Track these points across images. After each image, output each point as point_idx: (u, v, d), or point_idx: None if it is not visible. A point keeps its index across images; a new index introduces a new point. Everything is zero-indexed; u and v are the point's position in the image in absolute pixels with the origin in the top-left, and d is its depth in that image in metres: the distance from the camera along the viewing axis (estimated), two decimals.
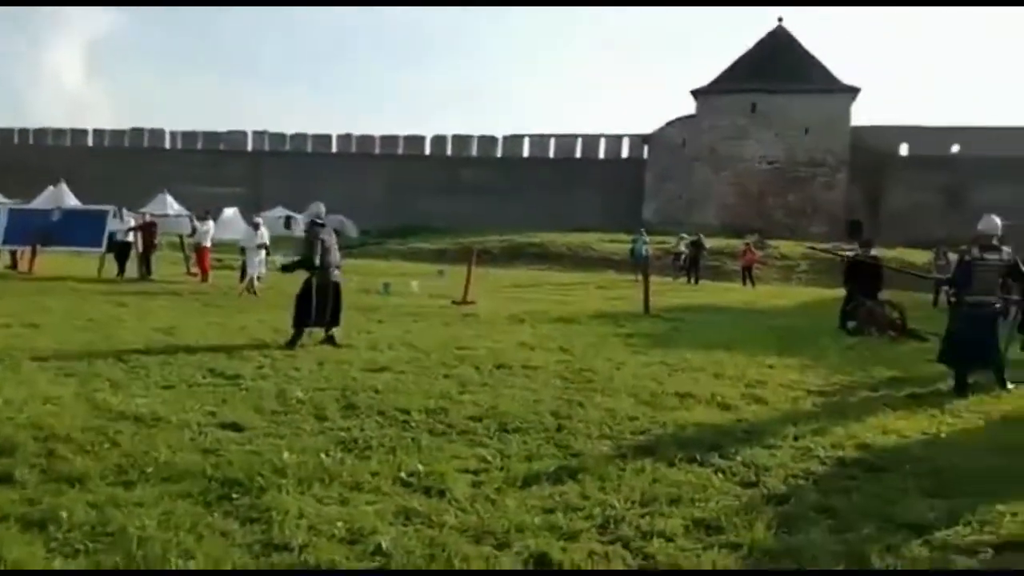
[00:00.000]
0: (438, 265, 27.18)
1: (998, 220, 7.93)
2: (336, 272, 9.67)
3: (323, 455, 4.80)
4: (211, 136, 58.58)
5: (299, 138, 57.63)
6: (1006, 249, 7.90)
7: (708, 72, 49.54)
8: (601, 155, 52.93)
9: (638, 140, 51.61)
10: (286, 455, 4.73)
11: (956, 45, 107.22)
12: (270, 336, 9.72)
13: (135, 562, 3.26)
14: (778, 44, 47.49)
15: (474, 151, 54.81)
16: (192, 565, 3.25)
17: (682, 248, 28.11)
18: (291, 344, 9.03)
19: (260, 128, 58.31)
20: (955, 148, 45.79)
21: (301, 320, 9.30)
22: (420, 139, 55.84)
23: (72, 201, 22.38)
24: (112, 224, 19.09)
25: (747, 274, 26.44)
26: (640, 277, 18.46)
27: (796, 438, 5.64)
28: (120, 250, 18.81)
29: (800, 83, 45.15)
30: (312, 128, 58.98)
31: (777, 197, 45.89)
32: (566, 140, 53.45)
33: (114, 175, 49.47)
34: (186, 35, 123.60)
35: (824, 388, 7.75)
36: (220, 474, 4.37)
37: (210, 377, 7.17)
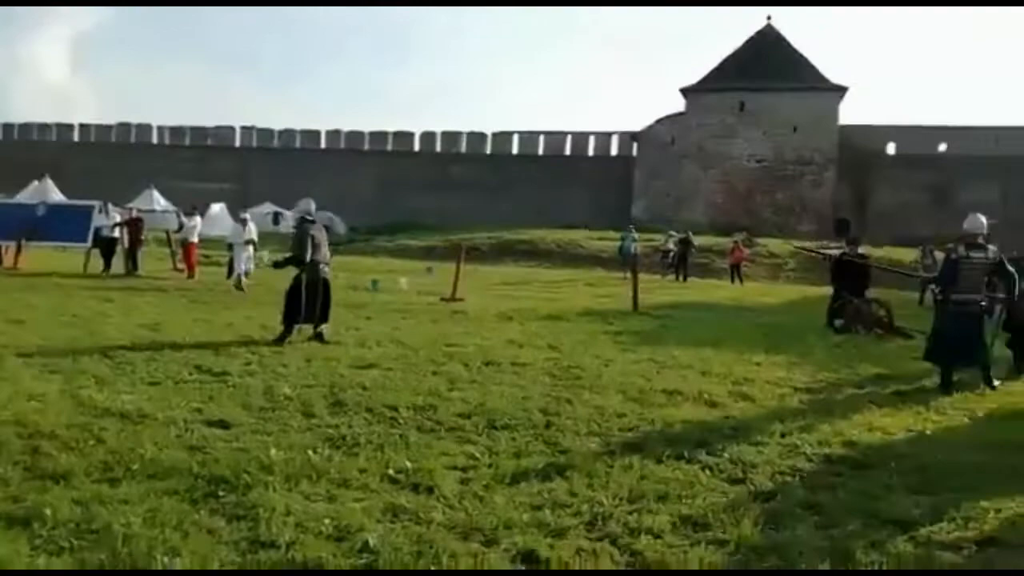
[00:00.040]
0: (427, 262, 27.12)
1: (984, 219, 8.00)
2: (325, 269, 9.66)
3: (310, 452, 4.79)
4: (198, 131, 58.21)
5: (287, 134, 57.37)
6: (992, 248, 7.97)
7: (698, 70, 49.52)
8: (591, 152, 52.97)
9: (627, 138, 51.69)
10: (273, 452, 4.72)
11: (943, 45, 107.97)
12: (257, 333, 9.68)
13: (120, 560, 3.24)
14: (767, 43, 47.65)
15: (463, 148, 54.72)
16: (178, 563, 3.23)
17: (671, 246, 28.17)
18: (280, 340, 9.00)
19: (248, 124, 58.10)
20: (942, 147, 46.11)
21: (291, 317, 9.28)
22: (409, 135, 55.70)
23: (57, 196, 22.27)
24: (98, 219, 18.94)
25: (735, 272, 26.54)
26: (629, 274, 18.49)
27: (783, 435, 5.67)
28: (106, 246, 18.66)
29: (788, 82, 45.30)
30: (300, 124, 58.81)
31: (765, 195, 46.07)
32: (555, 137, 53.46)
33: (100, 170, 49.11)
34: (173, 30, 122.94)
35: (811, 385, 7.79)
36: (206, 471, 4.35)
37: (197, 374, 7.14)
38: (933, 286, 9.13)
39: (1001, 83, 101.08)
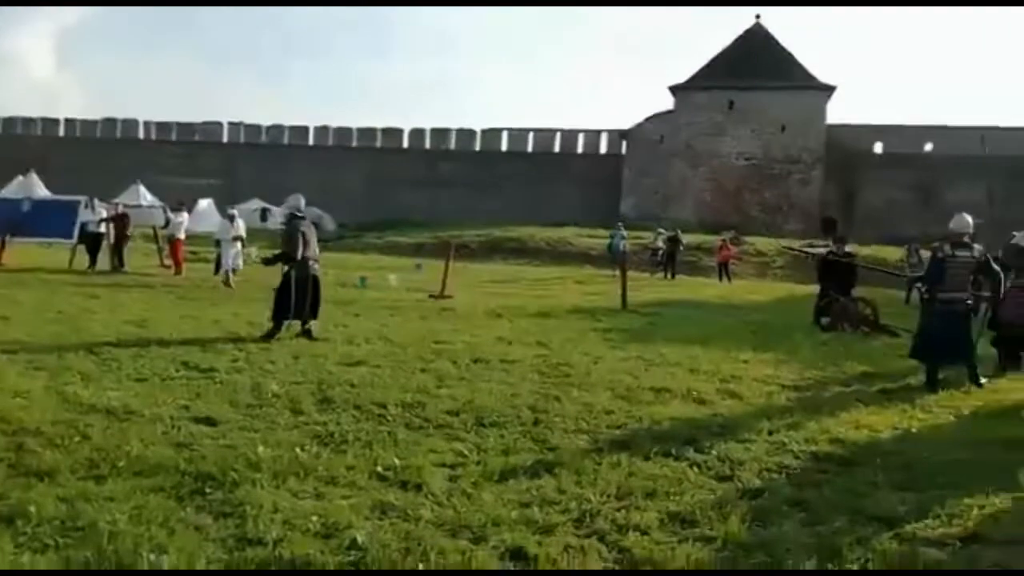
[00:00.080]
0: (416, 259, 27.09)
1: (969, 219, 8.08)
2: (315, 265, 9.65)
3: (298, 449, 4.77)
4: (185, 127, 57.77)
5: (275, 130, 57.02)
6: (977, 247, 8.04)
7: (688, 68, 49.62)
8: (580, 150, 52.98)
9: (616, 135, 51.72)
10: (261, 449, 4.70)
11: (929, 45, 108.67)
12: (245, 329, 9.63)
13: (106, 557, 3.22)
14: (755, 41, 47.77)
15: (452, 144, 54.59)
16: (164, 560, 3.21)
17: (659, 243, 28.25)
18: (268, 337, 8.97)
19: (236, 119, 57.74)
20: (928, 147, 46.39)
21: (280, 313, 9.25)
22: (398, 132, 55.48)
23: (42, 191, 22.10)
24: (83, 215, 18.80)
25: (723, 269, 26.65)
26: (618, 272, 18.53)
27: (770, 432, 5.69)
28: (92, 241, 18.52)
29: (777, 80, 45.46)
30: (289, 120, 58.42)
31: (753, 193, 46.23)
32: (545, 134, 53.41)
33: (86, 165, 48.65)
34: (159, 25, 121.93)
35: (798, 383, 7.83)
36: (193, 468, 4.33)
37: (184, 370, 7.10)
38: (920, 285, 9.20)
39: (987, 83, 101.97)
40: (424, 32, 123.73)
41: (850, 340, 11.20)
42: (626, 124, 51.32)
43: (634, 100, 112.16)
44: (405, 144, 55.17)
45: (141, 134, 58.13)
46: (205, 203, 37.92)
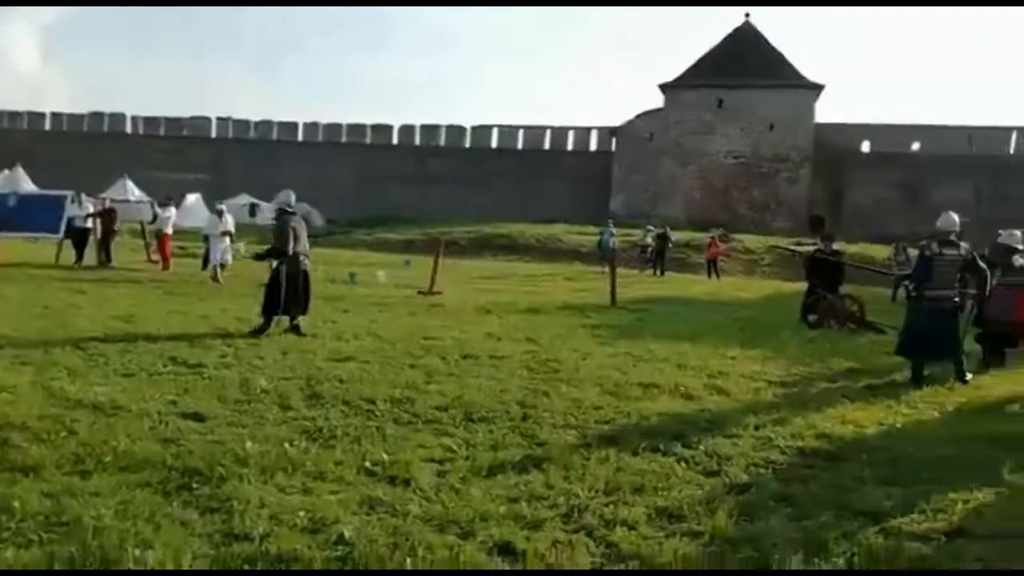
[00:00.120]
0: (405, 255, 27.04)
1: (956, 217, 8.16)
2: (305, 261, 9.64)
3: (286, 444, 4.77)
4: (173, 122, 57.37)
5: (264, 125, 56.71)
6: (964, 245, 8.12)
7: (678, 65, 49.68)
8: (570, 147, 52.99)
9: (606, 133, 51.76)
10: (248, 444, 4.69)
11: (917, 45, 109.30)
12: (233, 325, 9.59)
13: (91, 552, 3.20)
14: (744, 40, 47.86)
15: (442, 141, 54.49)
16: (150, 555, 3.19)
17: (649, 240, 28.30)
18: (258, 332, 8.95)
19: (224, 114, 57.38)
20: (915, 146, 46.67)
21: (270, 309, 9.22)
22: (388, 128, 55.29)
23: (29, 186, 21.83)
24: (70, 209, 18.63)
25: (712, 267, 26.73)
26: (607, 269, 18.55)
27: (757, 428, 5.73)
28: (78, 236, 18.37)
29: (766, 79, 45.60)
30: (278, 115, 58.18)
31: (742, 191, 46.38)
32: (535, 131, 53.38)
33: (72, 159, 48.27)
34: (147, 19, 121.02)
35: (785, 379, 7.87)
36: (180, 463, 4.32)
37: (171, 366, 7.07)
38: (907, 283, 9.27)
39: (973, 83, 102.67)
40: (418, 29, 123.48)
41: (837, 337, 11.26)
42: (616, 121, 51.40)
43: (624, 97, 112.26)
44: (395, 140, 55.01)
45: (128, 128, 57.69)
46: (193, 198, 37.65)
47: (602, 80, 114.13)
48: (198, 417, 5.37)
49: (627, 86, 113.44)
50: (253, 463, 4.38)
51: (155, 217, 19.50)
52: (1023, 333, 9.21)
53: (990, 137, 44.19)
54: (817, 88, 46.64)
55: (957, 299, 8.22)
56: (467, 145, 53.99)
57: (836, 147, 45.86)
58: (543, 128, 53.33)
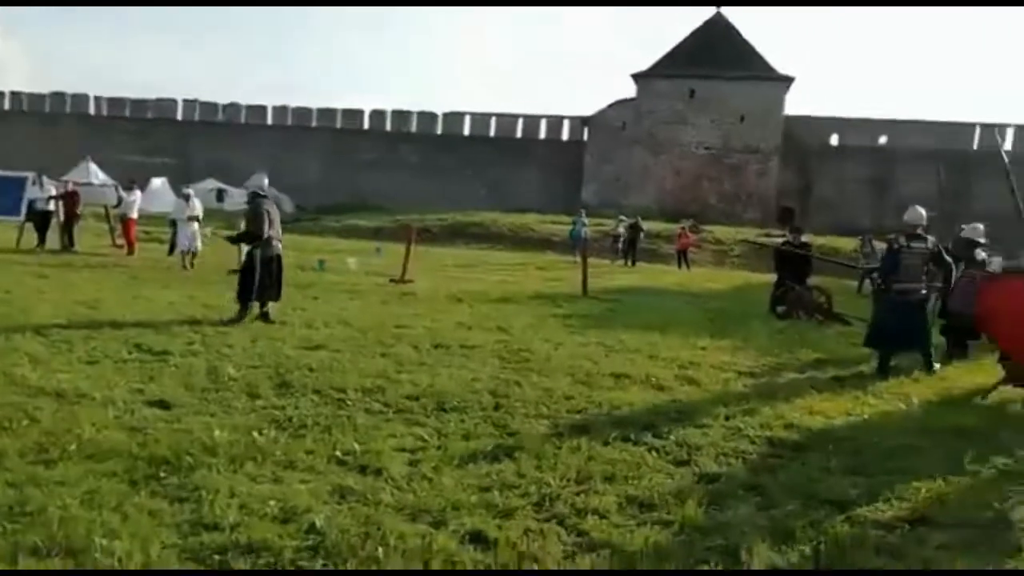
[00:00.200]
0: (375, 242, 26.85)
1: (923, 211, 8.31)
2: (278, 245, 9.53)
3: (256, 433, 4.72)
4: (138, 103, 56.21)
5: (232, 108, 55.77)
6: (931, 238, 8.27)
7: (651, 55, 49.69)
8: (542, 135, 52.92)
9: (578, 122, 51.77)
10: (217, 433, 4.63)
11: (885, 40, 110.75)
12: (200, 312, 9.46)
13: (57, 542, 3.15)
14: (716, 31, 48.13)
15: (414, 127, 54.07)
16: (117, 545, 3.15)
17: (620, 230, 28.41)
18: (238, 320, 8.85)
19: (191, 96, 56.36)
20: (883, 140, 47.35)
21: (246, 295, 9.10)
22: (358, 113, 54.69)
23: None
24: (31, 192, 18.20)
25: (682, 257, 26.93)
26: (579, 259, 18.60)
27: (727, 418, 5.79)
28: (40, 219, 17.95)
29: (737, 71, 45.92)
30: (246, 98, 57.26)
31: (713, 182, 46.73)
32: (507, 119, 53.21)
33: (33, 140, 47.18)
34: None
35: (754, 370, 7.97)
36: (147, 452, 4.25)
37: (137, 353, 6.96)
38: (875, 275, 9.41)
39: (941, 78, 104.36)
40: (392, 13, 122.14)
41: (805, 328, 11.42)
42: (589, 110, 51.43)
43: (597, 87, 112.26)
44: (366, 125, 54.48)
45: (92, 110, 56.40)
46: (159, 182, 37.06)
47: (575, 68, 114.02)
48: (164, 405, 5.30)
49: (600, 75, 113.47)
50: (222, 452, 4.33)
51: (120, 201, 19.12)
52: (985, 325, 9.41)
53: (954, 133, 44.94)
54: (787, 81, 47.07)
55: (924, 291, 8.38)
56: (439, 132, 53.66)
57: (805, 140, 46.41)
58: (515, 116, 53.16)
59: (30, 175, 18.63)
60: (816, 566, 3.41)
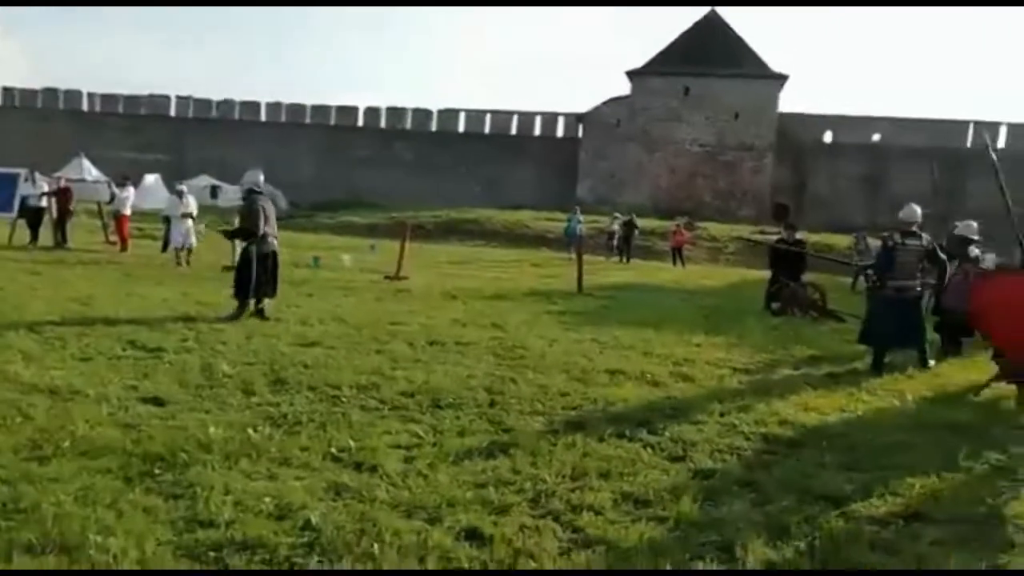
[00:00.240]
0: (369, 239, 26.81)
1: (918, 209, 8.34)
2: (274, 242, 9.51)
3: (250, 430, 4.70)
4: (132, 99, 55.97)
5: (226, 104, 55.57)
6: (925, 236, 8.30)
7: (647, 53, 49.57)
8: (537, 132, 52.87)
9: (573, 119, 51.73)
10: (212, 430, 4.62)
11: (879, 38, 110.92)
12: (194, 309, 9.43)
13: (51, 539, 3.13)
14: (710, 29, 48.18)
15: (408, 124, 53.95)
16: (112, 542, 3.14)
17: (615, 227, 28.43)
18: (235, 317, 8.82)
19: (184, 92, 56.13)
20: (876, 137, 47.46)
21: (243, 291, 9.08)
22: (353, 110, 54.57)
23: None
24: (24, 188, 18.10)
25: (677, 254, 26.96)
26: (574, 255, 18.60)
27: (722, 414, 5.80)
28: (33, 216, 17.86)
29: (731, 68, 45.96)
30: (240, 95, 57.04)
31: (707, 180, 46.80)
32: (502, 116, 53.14)
33: (26, 136, 46.91)
34: None
35: (749, 366, 7.98)
36: (141, 449, 4.24)
37: (131, 350, 6.93)
38: (870, 272, 9.44)
39: (934, 76, 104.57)
40: (389, 12, 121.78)
41: (799, 324, 11.45)
42: (583, 107, 51.42)
43: (592, 83, 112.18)
44: (360, 122, 54.34)
45: (85, 106, 56.15)
46: (152, 179, 36.98)
47: (574, 67, 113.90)
48: (159, 402, 5.29)
49: (597, 73, 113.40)
50: (217, 449, 4.32)
51: (113, 197, 19.03)
52: (978, 322, 9.44)
53: (948, 130, 45.05)
54: (781, 78, 47.15)
55: (919, 288, 8.41)
56: (433, 128, 53.57)
57: (799, 137, 46.50)
58: (510, 113, 53.11)
59: (22, 171, 18.52)
60: (811, 562, 3.42)
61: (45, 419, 4.68)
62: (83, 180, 21.15)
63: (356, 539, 3.34)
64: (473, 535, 3.48)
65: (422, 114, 53.80)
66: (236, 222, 9.99)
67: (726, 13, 50.05)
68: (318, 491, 3.86)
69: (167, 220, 16.97)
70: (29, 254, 15.46)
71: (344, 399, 5.67)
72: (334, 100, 55.13)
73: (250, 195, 9.50)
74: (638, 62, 48.74)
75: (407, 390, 5.99)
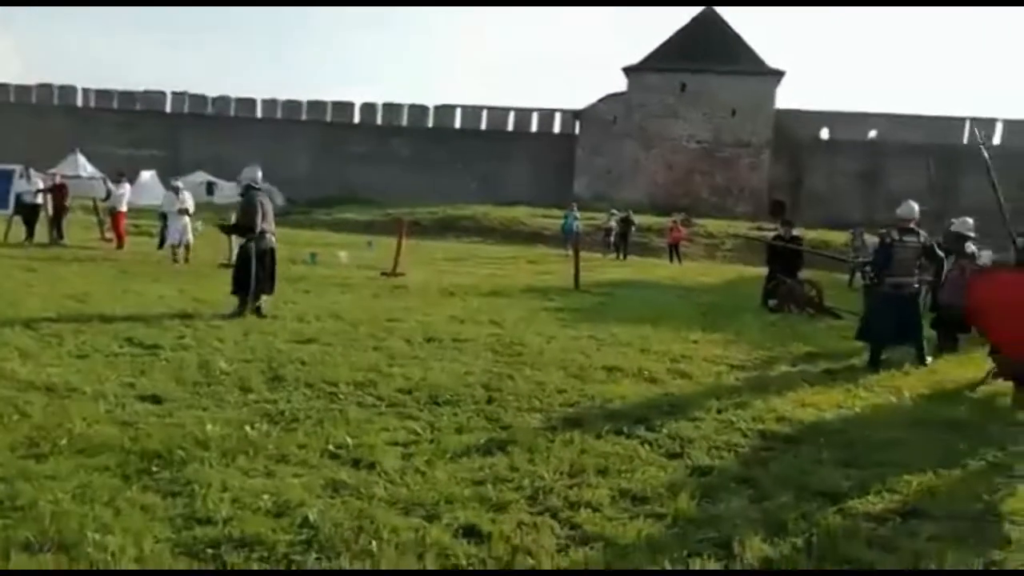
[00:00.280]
0: (366, 236, 26.76)
1: (916, 206, 8.36)
2: (272, 239, 9.48)
3: (248, 427, 4.70)
4: (127, 95, 55.79)
5: (221, 101, 55.44)
6: (923, 233, 8.31)
7: (646, 51, 49.37)
8: (534, 128, 52.82)
9: (570, 115, 51.70)
10: (209, 427, 4.62)
11: (876, 35, 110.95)
12: (191, 306, 9.42)
13: (49, 537, 3.13)
14: (707, 25, 48.14)
15: (404, 120, 53.85)
16: (110, 539, 3.13)
17: (612, 224, 28.41)
18: (237, 314, 8.80)
19: (180, 89, 55.94)
20: (873, 134, 47.50)
21: (242, 288, 9.06)
22: (349, 106, 54.44)
23: None
24: (19, 185, 18.02)
25: (674, 251, 26.95)
26: (571, 252, 18.59)
27: (719, 411, 5.80)
28: (29, 212, 17.79)
29: (728, 65, 45.94)
30: (236, 91, 56.89)
31: (704, 176, 46.82)
32: (498, 113, 53.08)
33: (20, 133, 46.72)
34: None
35: (746, 363, 7.99)
36: (139, 447, 4.23)
37: (128, 347, 6.92)
38: (867, 269, 9.46)
39: (930, 73, 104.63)
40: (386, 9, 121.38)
41: (796, 321, 11.47)
42: (580, 104, 51.38)
43: (589, 80, 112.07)
44: (356, 119, 54.24)
45: (80, 101, 55.96)
46: (148, 175, 36.85)
47: (570, 65, 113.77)
48: (156, 400, 5.28)
49: (595, 70, 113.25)
50: (214, 446, 4.31)
51: (108, 194, 18.97)
52: (975, 318, 9.47)
53: (944, 127, 45.09)
54: (777, 75, 47.15)
55: (917, 285, 8.43)
56: (430, 125, 53.47)
57: (796, 134, 46.54)
58: (507, 109, 53.04)
59: (18, 168, 18.45)
60: (808, 558, 3.43)
61: (42, 416, 4.66)
62: (79, 176, 21.07)
63: (354, 536, 3.34)
64: (471, 532, 3.48)
65: (418, 110, 53.71)
66: (233, 218, 9.97)
67: (722, 10, 49.87)
68: (316, 488, 3.85)
69: (164, 217, 16.91)
70: (25, 251, 15.41)
71: (341, 396, 5.66)
72: (330, 95, 54.91)
73: (248, 191, 9.48)
74: (637, 60, 48.68)
75: (404, 387, 5.99)
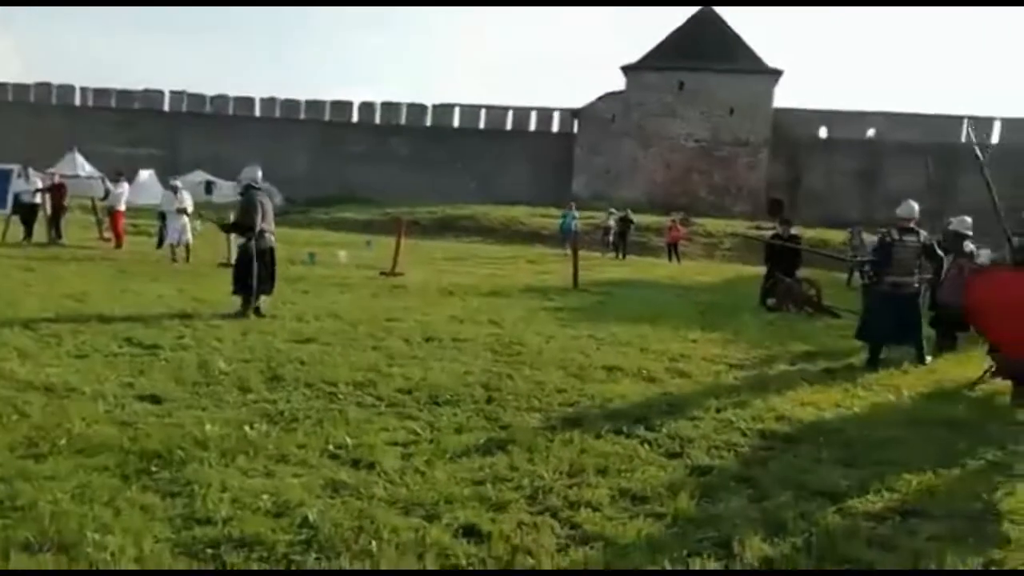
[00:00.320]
0: (364, 236, 26.75)
1: (915, 205, 8.37)
2: (271, 238, 9.48)
3: (247, 427, 4.70)
4: (125, 94, 55.72)
5: (220, 100, 55.38)
6: (923, 232, 8.32)
7: (641, 47, 49.62)
8: (532, 127, 52.79)
9: (568, 114, 51.69)
10: (208, 427, 4.61)
11: (874, 34, 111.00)
12: (190, 305, 9.41)
13: (48, 537, 3.13)
14: (706, 24, 48.13)
15: (403, 119, 53.82)
16: (110, 540, 3.13)
17: (611, 223, 28.41)
18: (241, 314, 8.79)
19: (179, 88, 55.89)
20: (871, 133, 47.53)
21: (244, 288, 9.05)
22: (347, 105, 54.40)
23: None
24: (17, 184, 18.00)
25: (673, 250, 26.95)
26: (569, 251, 18.58)
27: (718, 410, 5.80)
28: (27, 212, 17.78)
29: (726, 64, 45.95)
30: (235, 90, 56.85)
31: (703, 175, 46.82)
32: (497, 112, 53.06)
33: (18, 132, 46.65)
34: None
35: (745, 362, 7.99)
36: (138, 447, 4.23)
37: (127, 347, 6.91)
38: (867, 268, 9.46)
39: (929, 72, 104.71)
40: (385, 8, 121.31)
41: (795, 320, 11.48)
42: (578, 103, 51.36)
43: (587, 79, 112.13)
44: (355, 118, 54.20)
45: (78, 100, 55.89)
46: (146, 174, 36.79)
47: (570, 64, 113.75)
48: (155, 400, 5.27)
49: (594, 69, 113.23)
50: (213, 446, 4.31)
51: (107, 193, 18.94)
52: (973, 317, 9.47)
53: (942, 126, 45.11)
54: (775, 74, 47.16)
55: (917, 284, 8.43)
56: (428, 124, 53.44)
57: (794, 132, 46.56)
58: (505, 108, 53.02)
59: (16, 167, 18.43)
60: (807, 557, 3.43)
61: (41, 416, 4.66)
62: (77, 176, 20.97)
63: (354, 536, 3.34)
64: (471, 532, 3.48)
65: (417, 109, 53.68)
66: (232, 217, 9.97)
67: (720, 8, 49.88)
68: (315, 488, 3.85)
69: (162, 216, 16.90)
70: (23, 251, 15.40)
71: (341, 396, 5.66)
72: (329, 95, 54.77)
73: (248, 191, 9.47)
74: (634, 57, 48.69)
75: (404, 387, 5.99)
